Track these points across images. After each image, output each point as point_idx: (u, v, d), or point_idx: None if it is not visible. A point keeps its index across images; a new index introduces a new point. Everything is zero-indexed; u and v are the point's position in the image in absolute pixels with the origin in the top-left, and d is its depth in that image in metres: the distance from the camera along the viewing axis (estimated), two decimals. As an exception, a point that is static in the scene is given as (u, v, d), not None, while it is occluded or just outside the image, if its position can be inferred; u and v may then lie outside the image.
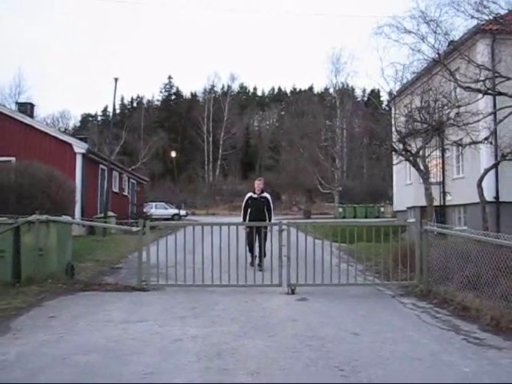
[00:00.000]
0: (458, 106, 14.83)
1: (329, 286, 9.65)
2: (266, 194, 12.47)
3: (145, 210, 33.55)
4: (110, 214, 24.39)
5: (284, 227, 9.87)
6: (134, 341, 6.16)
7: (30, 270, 9.78)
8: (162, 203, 47.17)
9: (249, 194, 12.48)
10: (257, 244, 11.84)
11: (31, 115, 26.88)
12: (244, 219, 12.19)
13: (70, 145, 23.41)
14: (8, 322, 7.10)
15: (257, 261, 11.76)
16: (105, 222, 20.80)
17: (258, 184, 12.47)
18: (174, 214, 44.64)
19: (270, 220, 12.13)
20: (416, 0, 14.39)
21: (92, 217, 22.20)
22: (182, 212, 47.18)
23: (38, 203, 13.13)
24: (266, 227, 11.48)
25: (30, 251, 9.84)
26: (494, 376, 4.98)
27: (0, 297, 8.51)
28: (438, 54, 14.28)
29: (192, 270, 9.63)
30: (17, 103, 31.46)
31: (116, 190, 29.58)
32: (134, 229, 10.63)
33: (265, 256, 11.38)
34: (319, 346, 5.95)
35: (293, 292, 9.35)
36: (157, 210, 41.39)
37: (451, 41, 15.11)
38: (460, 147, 17.22)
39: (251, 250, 11.64)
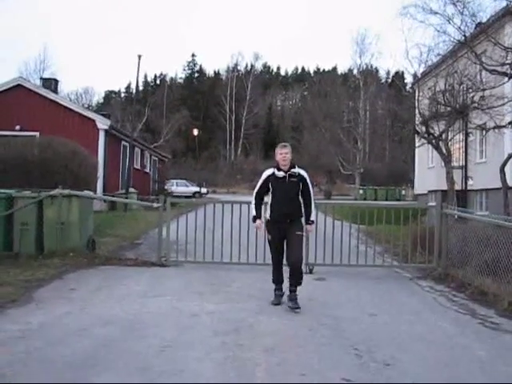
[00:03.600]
0: (483, 90, 14.61)
1: (347, 267, 9.70)
2: (299, 170, 7.06)
3: (166, 187, 33.72)
4: (132, 190, 24.57)
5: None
6: (152, 315, 6.27)
7: (52, 243, 9.96)
8: (184, 181, 47.28)
9: (269, 171, 7.06)
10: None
11: (55, 91, 27.13)
12: (256, 211, 7.10)
13: (93, 121, 23.58)
14: (31, 292, 7.27)
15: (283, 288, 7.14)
16: (126, 198, 21.00)
17: (284, 154, 6.95)
18: (195, 192, 44.80)
19: (310, 212, 7.08)
20: (443, -20, 14.13)
21: (113, 192, 22.44)
22: (203, 190, 47.34)
23: (61, 178, 13.29)
24: (299, 227, 6.96)
25: (53, 225, 10.00)
26: (510, 360, 4.99)
27: (23, 268, 8.72)
28: (465, 35, 14.04)
29: (211, 247, 9.71)
30: (41, 79, 31.72)
31: (138, 166, 29.78)
32: (155, 205, 10.76)
33: (301, 279, 6.92)
34: (335, 325, 6.00)
35: (311, 272, 9.40)
36: (178, 187, 41.53)
37: (478, 22, 14.84)
38: (483, 131, 17.01)
39: (279, 278, 7.14)
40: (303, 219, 7.13)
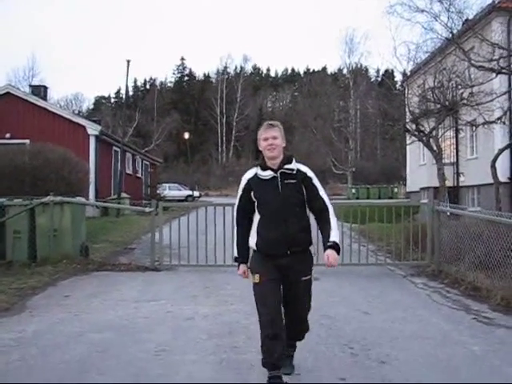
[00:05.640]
0: (472, 86, 14.71)
1: (340, 266, 9.64)
2: (298, 166, 4.21)
3: (158, 192, 33.66)
4: (124, 195, 24.53)
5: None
6: (147, 319, 6.26)
7: (45, 251, 9.93)
8: (176, 184, 47.24)
9: (250, 173, 4.26)
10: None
11: (45, 98, 27.05)
12: (239, 248, 4.33)
13: (83, 127, 23.52)
14: (24, 300, 7.25)
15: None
16: (118, 204, 20.95)
17: (271, 140, 4.12)
18: (188, 196, 44.77)
19: (329, 228, 4.08)
20: (429, -23, 14.23)
21: (106, 198, 22.37)
22: (196, 193, 47.27)
23: (52, 185, 13.25)
24: (307, 266, 4.25)
25: (45, 232, 9.98)
26: (503, 354, 5.01)
27: (16, 276, 8.68)
28: (452, 32, 14.12)
29: (204, 250, 9.71)
30: (30, 86, 31.66)
31: (129, 171, 29.69)
32: (147, 210, 10.73)
33: (302, 338, 4.54)
34: (329, 324, 6.00)
35: (304, 272, 9.37)
36: (170, 191, 41.44)
37: (465, 19, 14.93)
38: (473, 127, 17.11)
39: (273, 356, 3.93)
40: (312, 248, 4.31)
